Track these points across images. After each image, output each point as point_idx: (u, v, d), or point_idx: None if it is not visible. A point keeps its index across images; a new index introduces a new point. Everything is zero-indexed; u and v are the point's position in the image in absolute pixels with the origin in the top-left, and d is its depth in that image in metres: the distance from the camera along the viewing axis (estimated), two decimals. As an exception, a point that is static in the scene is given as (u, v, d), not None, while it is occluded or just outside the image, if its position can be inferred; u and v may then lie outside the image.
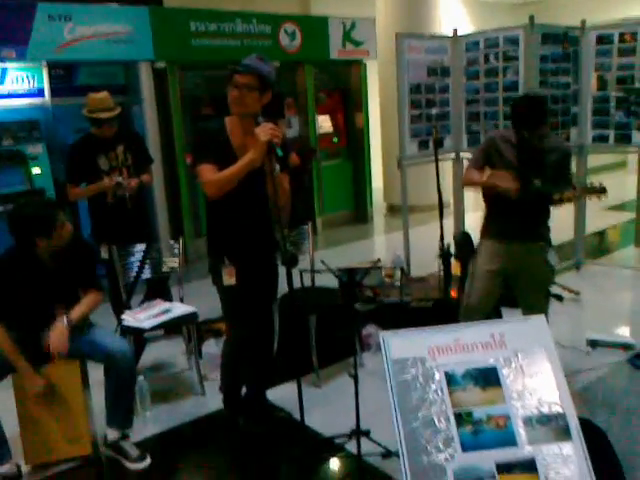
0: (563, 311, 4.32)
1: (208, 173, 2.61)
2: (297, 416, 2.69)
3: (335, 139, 8.11)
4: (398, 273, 2.43)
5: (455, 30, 5.35)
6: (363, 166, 8.22)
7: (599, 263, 5.65)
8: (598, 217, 6.88)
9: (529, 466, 1.83)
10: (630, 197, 7.31)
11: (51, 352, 2.66)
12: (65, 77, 5.82)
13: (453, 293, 3.89)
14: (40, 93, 5.60)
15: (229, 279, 2.72)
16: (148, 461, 2.78)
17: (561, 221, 5.66)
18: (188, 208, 6.48)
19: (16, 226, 2.66)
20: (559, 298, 4.47)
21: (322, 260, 2.46)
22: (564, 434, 1.87)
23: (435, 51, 5.20)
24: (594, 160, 6.32)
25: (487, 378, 1.96)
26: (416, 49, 5.06)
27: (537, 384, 1.96)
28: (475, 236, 3.53)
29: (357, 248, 6.92)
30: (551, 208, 3.11)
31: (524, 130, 2.97)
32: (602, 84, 5.15)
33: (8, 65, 5.35)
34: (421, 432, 1.87)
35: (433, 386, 1.95)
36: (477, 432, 1.88)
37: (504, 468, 1.82)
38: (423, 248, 4.68)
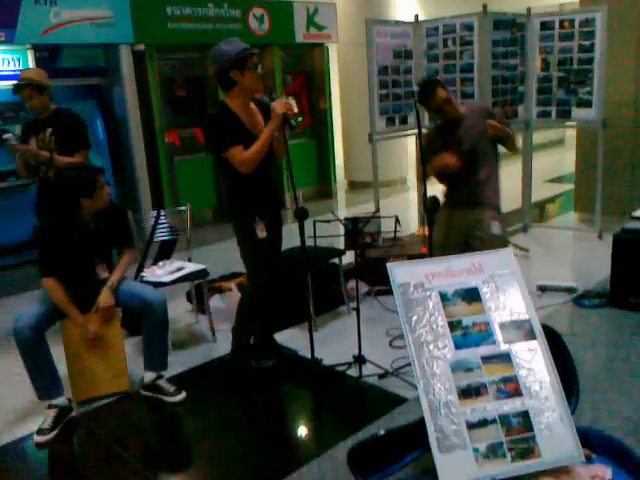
0: (516, 264, 4.97)
1: (240, 154, 3.00)
2: (302, 353, 3.22)
3: (300, 119, 8.58)
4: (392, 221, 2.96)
5: (416, 16, 5.90)
6: (327, 144, 8.70)
7: (544, 226, 6.40)
8: (542, 189, 7.67)
9: (506, 358, 2.41)
10: (568, 170, 8.13)
11: (100, 309, 3.10)
12: (49, 59, 6.08)
13: (424, 250, 4.48)
14: (25, 75, 5.84)
15: (261, 233, 3.18)
16: (184, 394, 3.21)
17: (510, 192, 6.41)
18: (167, 181, 6.87)
19: (63, 189, 3.05)
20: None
21: (332, 211, 2.98)
22: (530, 334, 2.46)
23: (399, 36, 5.72)
24: (536, 138, 7.00)
25: (471, 295, 2.53)
26: (382, 34, 5.58)
27: (508, 298, 2.54)
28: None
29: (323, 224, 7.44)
30: (498, 173, 3.64)
31: (426, 101, 3.52)
32: (546, 66, 5.79)
33: (-5, 47, 5.59)
34: (424, 336, 2.42)
35: (431, 303, 2.50)
36: (465, 335, 2.44)
37: (487, 359, 2.40)
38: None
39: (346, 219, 3.13)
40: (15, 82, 3.94)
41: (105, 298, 3.12)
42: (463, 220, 3.62)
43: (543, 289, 4.38)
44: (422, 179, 3.28)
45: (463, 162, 3.48)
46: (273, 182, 3.30)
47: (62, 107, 4.12)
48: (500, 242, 3.57)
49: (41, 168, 3.86)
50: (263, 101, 3.23)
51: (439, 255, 3.65)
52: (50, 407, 3.01)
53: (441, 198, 3.75)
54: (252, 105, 3.19)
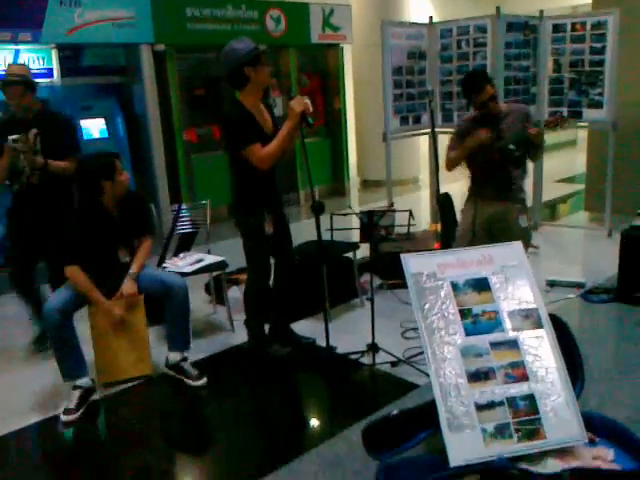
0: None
1: (259, 151, 3.13)
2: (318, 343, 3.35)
3: (313, 118, 8.70)
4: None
5: (431, 18, 6.02)
6: (340, 143, 8.82)
7: (554, 224, 6.49)
8: (553, 188, 7.75)
9: (513, 344, 2.53)
10: (580, 171, 8.20)
11: (124, 297, 3.25)
12: (72, 58, 6.25)
13: (437, 245, 4.60)
14: (50, 73, 6.04)
15: (269, 229, 3.32)
16: (205, 379, 3.36)
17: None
18: (185, 177, 7.04)
19: (85, 174, 3.20)
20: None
21: (349, 205, 3.11)
22: (537, 323, 2.58)
23: (414, 37, 5.85)
24: (548, 138, 7.09)
25: (481, 285, 2.65)
26: (397, 35, 5.70)
27: (517, 289, 2.65)
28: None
29: (338, 218, 7.57)
30: (526, 172, 3.74)
31: (474, 94, 3.54)
32: (557, 67, 5.89)
33: (21, 47, 5.76)
34: (437, 323, 2.54)
35: (442, 292, 2.62)
36: (475, 322, 2.56)
37: (495, 346, 2.52)
38: (403, 214, 5.36)
39: (362, 212, 3.27)
40: (5, 78, 3.61)
41: (129, 286, 3.27)
42: (492, 212, 3.68)
43: (552, 284, 4.48)
44: (435, 173, 3.39)
45: (499, 156, 3.53)
46: (278, 179, 3.43)
47: (46, 107, 3.89)
48: (526, 235, 3.69)
49: (25, 172, 3.57)
50: (269, 103, 3.44)
51: (463, 245, 3.78)
52: (75, 388, 3.16)
53: (465, 191, 3.86)
54: (291, 102, 3.25)
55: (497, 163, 3.57)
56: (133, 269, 3.32)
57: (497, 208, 3.68)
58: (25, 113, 3.64)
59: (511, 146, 3.48)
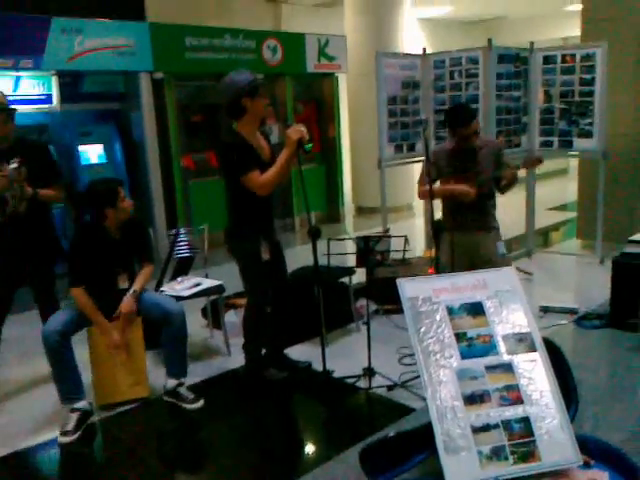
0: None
1: (258, 178, 3.21)
2: (313, 366, 3.37)
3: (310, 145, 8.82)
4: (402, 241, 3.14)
5: (424, 49, 6.17)
6: (335, 170, 8.94)
7: (547, 251, 6.58)
8: (545, 216, 7.87)
9: (508, 368, 2.56)
10: (571, 199, 8.32)
11: (122, 315, 3.28)
12: (72, 85, 6.35)
13: (430, 271, 4.65)
14: (49, 99, 6.13)
15: (265, 255, 3.37)
16: (202, 402, 3.37)
17: (515, 218, 6.61)
18: (182, 203, 7.11)
19: (89, 199, 3.26)
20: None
21: (345, 230, 3.16)
22: (531, 346, 2.62)
23: (407, 67, 5.99)
24: (541, 167, 7.23)
25: (476, 309, 2.68)
26: (392, 66, 5.84)
27: (511, 313, 2.68)
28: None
29: (334, 243, 7.63)
30: (496, 200, 3.84)
31: (459, 128, 3.63)
32: (548, 98, 6.04)
33: (22, 74, 5.86)
34: (432, 346, 2.57)
35: (438, 316, 2.66)
36: (470, 346, 2.59)
37: (490, 369, 2.55)
38: (399, 240, 5.43)
39: (358, 237, 3.33)
40: None
41: (128, 304, 3.30)
42: (469, 243, 3.78)
43: (545, 310, 4.53)
44: (429, 197, 3.47)
45: (478, 190, 3.66)
46: (274, 206, 3.50)
47: (22, 135, 3.73)
48: (506, 262, 3.75)
49: (10, 203, 3.40)
50: (265, 131, 3.52)
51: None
52: (72, 411, 3.17)
53: (441, 221, 3.95)
54: (287, 131, 3.36)
55: (477, 196, 3.69)
56: (135, 287, 3.36)
57: (474, 238, 3.77)
58: (2, 142, 3.48)
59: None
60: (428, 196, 3.73)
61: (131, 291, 3.34)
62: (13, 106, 3.56)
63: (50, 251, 3.65)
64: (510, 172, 3.67)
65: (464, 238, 3.77)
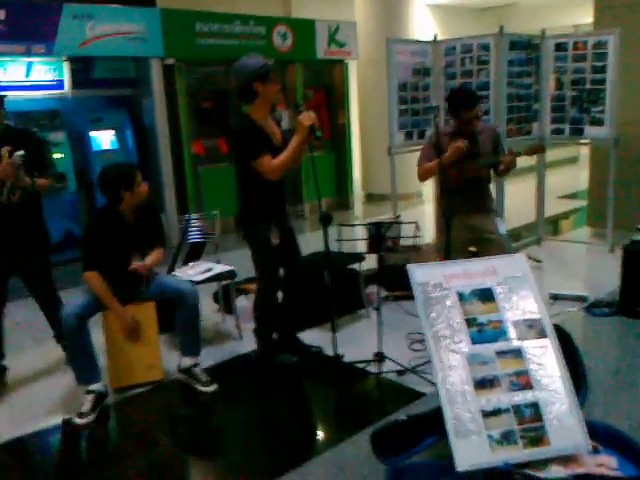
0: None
1: (269, 162, 3.22)
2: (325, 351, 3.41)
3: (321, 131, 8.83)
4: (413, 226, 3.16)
5: (435, 36, 6.14)
6: (345, 157, 8.92)
7: (557, 239, 6.58)
8: (555, 204, 7.85)
9: (518, 353, 2.59)
10: (582, 187, 8.30)
11: (141, 270, 3.32)
12: (83, 71, 6.37)
13: (440, 259, 4.67)
14: (60, 85, 6.16)
15: (275, 240, 3.40)
16: (215, 386, 3.42)
17: (525, 206, 6.61)
18: (192, 188, 7.15)
19: (106, 182, 3.29)
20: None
21: (356, 215, 3.18)
22: (541, 332, 2.64)
23: (418, 54, 5.97)
24: (551, 155, 7.21)
25: (486, 295, 2.72)
26: (403, 52, 5.82)
27: (521, 299, 2.72)
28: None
29: (344, 230, 7.67)
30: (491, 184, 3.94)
31: (462, 110, 3.69)
32: (559, 85, 6.00)
33: (34, 59, 5.88)
34: (443, 331, 2.61)
35: (449, 301, 2.69)
36: (481, 331, 2.63)
37: (500, 354, 2.58)
38: (408, 227, 5.47)
39: (369, 223, 3.35)
40: None
41: (141, 263, 3.33)
42: (473, 224, 3.83)
43: (555, 298, 4.54)
44: (440, 183, 3.49)
45: (477, 173, 3.71)
46: (285, 192, 3.52)
47: (9, 123, 3.61)
48: (507, 241, 3.90)
49: (4, 192, 3.29)
50: (275, 117, 3.51)
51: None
52: (88, 392, 3.22)
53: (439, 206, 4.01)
54: (299, 117, 3.32)
55: (472, 177, 3.76)
56: (147, 261, 3.38)
57: (478, 220, 3.84)
58: None
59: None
60: (428, 174, 3.94)
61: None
62: (3, 92, 3.49)
63: (42, 242, 3.60)
64: (509, 157, 3.76)
65: (467, 220, 3.80)
